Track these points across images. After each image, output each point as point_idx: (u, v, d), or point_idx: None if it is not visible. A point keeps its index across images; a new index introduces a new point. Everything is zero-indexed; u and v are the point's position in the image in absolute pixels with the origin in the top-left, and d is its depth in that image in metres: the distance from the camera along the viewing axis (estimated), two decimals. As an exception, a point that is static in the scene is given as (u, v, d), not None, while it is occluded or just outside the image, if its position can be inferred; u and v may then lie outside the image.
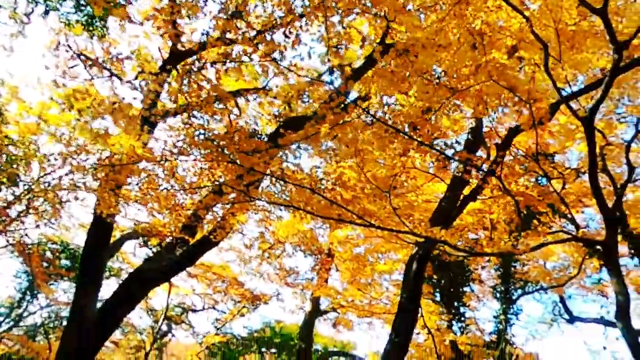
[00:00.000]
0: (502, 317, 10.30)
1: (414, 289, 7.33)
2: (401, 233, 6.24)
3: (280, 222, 13.77)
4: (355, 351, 19.88)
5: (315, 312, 14.17)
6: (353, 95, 8.68)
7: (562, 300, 14.98)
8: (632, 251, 9.95)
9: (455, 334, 11.51)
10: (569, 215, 7.20)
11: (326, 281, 14.59)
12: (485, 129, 9.37)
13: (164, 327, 16.69)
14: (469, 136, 9.28)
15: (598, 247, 6.07)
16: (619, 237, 10.23)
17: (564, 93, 6.53)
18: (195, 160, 7.46)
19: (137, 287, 8.17)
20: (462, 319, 11.73)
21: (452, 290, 11.89)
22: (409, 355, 13.22)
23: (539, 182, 9.92)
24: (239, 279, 18.52)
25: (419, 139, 4.58)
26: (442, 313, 11.29)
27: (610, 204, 6.48)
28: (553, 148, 11.14)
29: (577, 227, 6.81)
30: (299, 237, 13.78)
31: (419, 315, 10.60)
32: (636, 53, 6.44)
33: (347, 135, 4.94)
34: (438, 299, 12.32)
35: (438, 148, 7.48)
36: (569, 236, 6.02)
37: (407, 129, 5.20)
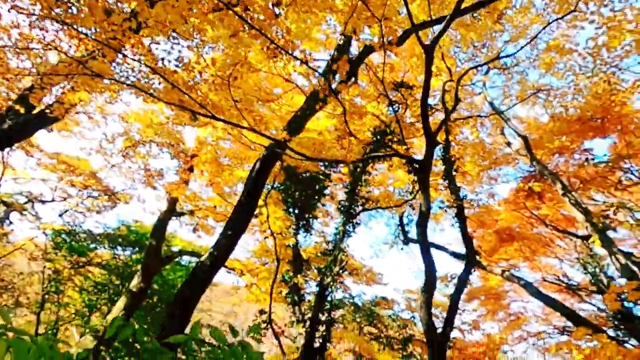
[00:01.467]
0: (341, 228, 11.18)
1: (253, 186, 7.55)
2: (241, 128, 6.27)
3: (137, 115, 13.10)
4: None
5: (171, 212, 14.05)
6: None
7: (400, 222, 16.78)
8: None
9: (299, 242, 12.34)
10: (399, 137, 7.85)
11: (187, 183, 14.45)
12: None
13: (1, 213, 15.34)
14: (335, 53, 9.44)
15: (416, 165, 6.76)
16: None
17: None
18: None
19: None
20: (310, 229, 12.54)
21: (303, 200, 12.53)
22: (250, 249, 13.86)
23: (394, 108, 10.60)
24: (99, 174, 17.55)
25: (252, 24, 4.49)
26: (289, 220, 11.94)
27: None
28: (414, 82, 11.90)
29: (407, 147, 7.51)
30: (160, 132, 13.24)
31: (265, 218, 11.12)
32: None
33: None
34: (291, 211, 12.94)
35: (298, 58, 7.43)
36: (393, 152, 6.61)
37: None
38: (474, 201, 16.07)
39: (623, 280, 11.12)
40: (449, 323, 8.37)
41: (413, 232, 18.32)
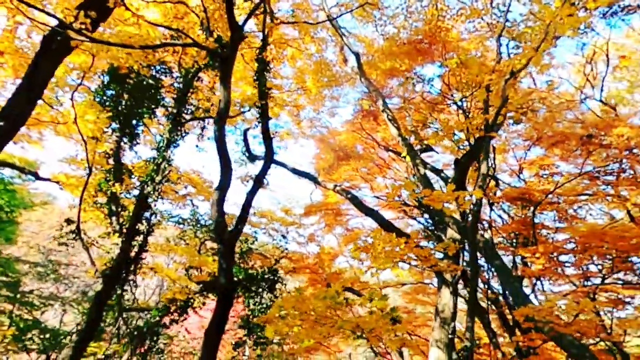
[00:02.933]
0: (166, 136, 10.51)
1: (32, 72, 6.46)
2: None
3: None
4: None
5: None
6: None
7: (245, 138, 16.56)
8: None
9: (124, 150, 11.40)
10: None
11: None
12: None
13: None
14: None
15: (219, 57, 6.32)
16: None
17: None
18: None
19: None
20: (135, 138, 11.59)
21: (129, 107, 11.45)
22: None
23: None
24: None
25: None
26: (105, 124, 10.88)
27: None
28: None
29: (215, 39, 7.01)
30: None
31: (73, 119, 9.94)
32: None
33: None
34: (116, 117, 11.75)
35: None
36: (190, 41, 6.07)
37: None
38: (315, 119, 16.40)
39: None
40: (241, 220, 8.54)
41: (259, 150, 18.26)
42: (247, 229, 16.69)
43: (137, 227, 9.92)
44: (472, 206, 7.00)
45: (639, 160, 9.89)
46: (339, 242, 20.32)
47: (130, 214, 10.10)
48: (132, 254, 9.77)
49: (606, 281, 10.39)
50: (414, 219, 18.99)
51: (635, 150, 10.24)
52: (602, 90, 11.37)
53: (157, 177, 10.10)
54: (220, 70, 6.31)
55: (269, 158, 8.84)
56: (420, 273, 17.60)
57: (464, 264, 7.97)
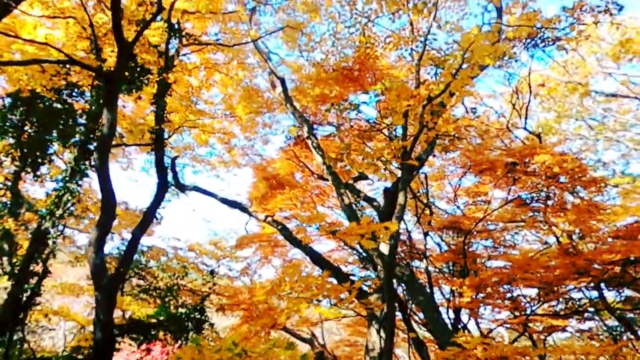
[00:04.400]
0: (71, 164, 9.56)
1: None
2: None
3: None
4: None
5: None
6: None
7: (172, 167, 15.67)
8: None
9: (24, 181, 10.30)
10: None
11: None
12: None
13: None
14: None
15: (105, 77, 5.63)
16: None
17: None
18: None
19: None
20: (37, 169, 10.53)
21: (35, 135, 10.43)
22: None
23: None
24: None
25: None
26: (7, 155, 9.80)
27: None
28: None
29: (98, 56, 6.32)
30: None
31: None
32: None
33: None
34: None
35: None
36: (68, 59, 5.35)
37: None
38: (247, 147, 15.80)
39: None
40: (125, 263, 7.65)
41: (188, 180, 17.32)
42: (174, 263, 15.64)
43: (31, 268, 8.80)
44: (389, 240, 6.54)
45: (562, 187, 9.91)
46: (277, 274, 19.51)
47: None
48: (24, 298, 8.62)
49: (537, 310, 10.25)
50: (354, 249, 18.58)
51: (561, 179, 10.29)
52: (526, 119, 11.51)
53: (58, 210, 9.08)
54: (105, 91, 5.62)
55: (163, 189, 7.99)
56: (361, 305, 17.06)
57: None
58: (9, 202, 9.75)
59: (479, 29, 7.73)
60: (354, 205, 9.19)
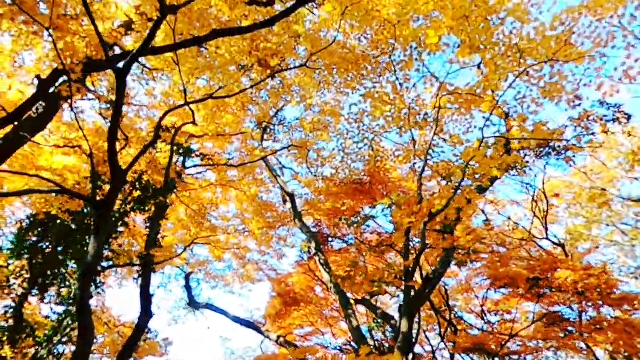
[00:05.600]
0: (75, 287, 9.44)
1: None
2: None
3: None
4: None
5: None
6: None
7: (187, 284, 15.39)
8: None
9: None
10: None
11: None
12: None
13: None
14: None
15: (96, 204, 5.68)
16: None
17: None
18: None
19: None
20: (46, 290, 10.45)
21: (49, 254, 10.54)
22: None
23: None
24: None
25: None
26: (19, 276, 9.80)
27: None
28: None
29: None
30: None
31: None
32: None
33: None
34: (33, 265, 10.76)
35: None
36: (60, 188, 5.49)
37: None
38: (261, 262, 15.50)
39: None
40: None
41: (204, 296, 16.84)
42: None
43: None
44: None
45: (593, 304, 9.02)
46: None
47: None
48: None
49: None
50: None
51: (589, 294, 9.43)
52: (546, 228, 10.97)
53: (56, 337, 8.78)
54: (95, 218, 5.62)
55: (146, 318, 7.48)
56: None
57: None
58: (8, 327, 9.54)
59: (479, 142, 7.66)
60: (361, 328, 8.53)
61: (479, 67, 9.42)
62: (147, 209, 9.53)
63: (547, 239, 11.31)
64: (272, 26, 7.28)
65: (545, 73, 8.37)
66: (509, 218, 13.22)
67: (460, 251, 10.61)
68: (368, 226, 11.28)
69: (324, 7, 9.56)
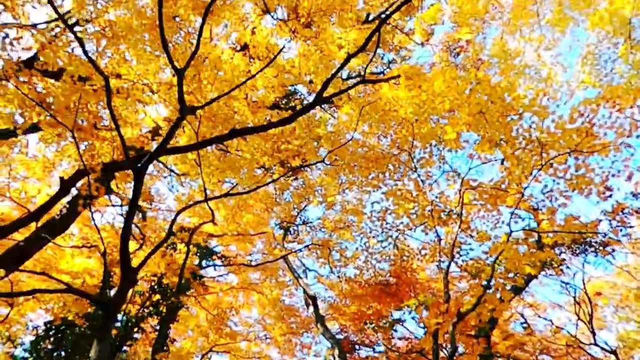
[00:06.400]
0: None
1: None
2: None
3: None
4: None
5: None
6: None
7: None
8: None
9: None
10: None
11: None
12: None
13: None
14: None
15: (103, 304, 5.46)
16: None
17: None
18: None
19: None
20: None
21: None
22: None
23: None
24: None
25: None
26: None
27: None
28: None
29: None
30: None
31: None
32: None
33: None
34: None
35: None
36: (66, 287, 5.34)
37: None
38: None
39: None
40: None
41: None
42: None
43: None
44: None
45: None
46: None
47: None
48: None
49: None
50: None
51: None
52: (593, 333, 9.95)
53: None
54: (101, 317, 5.37)
55: None
56: None
57: None
58: None
59: (507, 235, 7.29)
60: None
61: (502, 162, 9.33)
62: (161, 311, 9.20)
63: (595, 344, 10.20)
64: (290, 124, 7.48)
65: (570, 165, 8.17)
66: (551, 322, 12.11)
67: (499, 359, 9.63)
68: (396, 331, 10.50)
69: (343, 109, 9.91)
